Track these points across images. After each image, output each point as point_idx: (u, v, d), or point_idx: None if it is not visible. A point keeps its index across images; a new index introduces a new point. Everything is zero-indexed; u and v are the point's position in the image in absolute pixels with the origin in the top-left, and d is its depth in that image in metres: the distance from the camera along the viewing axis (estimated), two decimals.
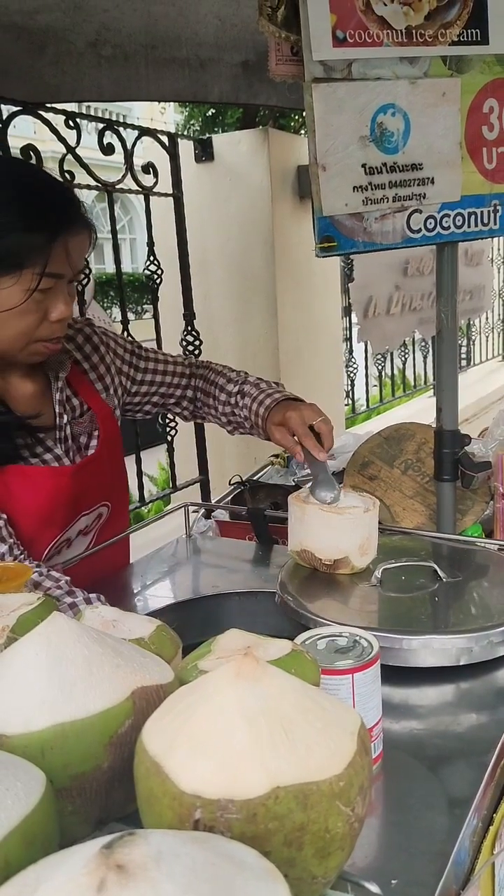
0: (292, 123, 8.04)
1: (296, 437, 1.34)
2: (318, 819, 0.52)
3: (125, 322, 2.63)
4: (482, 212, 1.43)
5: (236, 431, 1.59)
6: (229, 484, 2.03)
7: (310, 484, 1.30)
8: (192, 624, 1.32)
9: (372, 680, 0.85)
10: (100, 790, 0.61)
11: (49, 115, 2.22)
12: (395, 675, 1.02)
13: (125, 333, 2.51)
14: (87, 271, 2.27)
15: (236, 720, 0.54)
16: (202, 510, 1.93)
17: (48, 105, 2.20)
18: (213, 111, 10.68)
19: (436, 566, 1.23)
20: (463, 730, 0.96)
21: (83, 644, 0.64)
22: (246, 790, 0.51)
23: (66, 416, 1.36)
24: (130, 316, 3.02)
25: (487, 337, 6.07)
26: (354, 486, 1.64)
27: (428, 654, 1.05)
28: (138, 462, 2.74)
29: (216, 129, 9.96)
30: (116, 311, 2.76)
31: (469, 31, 1.36)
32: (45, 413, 1.35)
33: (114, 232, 2.55)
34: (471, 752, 0.91)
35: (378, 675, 0.87)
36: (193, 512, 1.78)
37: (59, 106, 2.23)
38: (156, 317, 2.81)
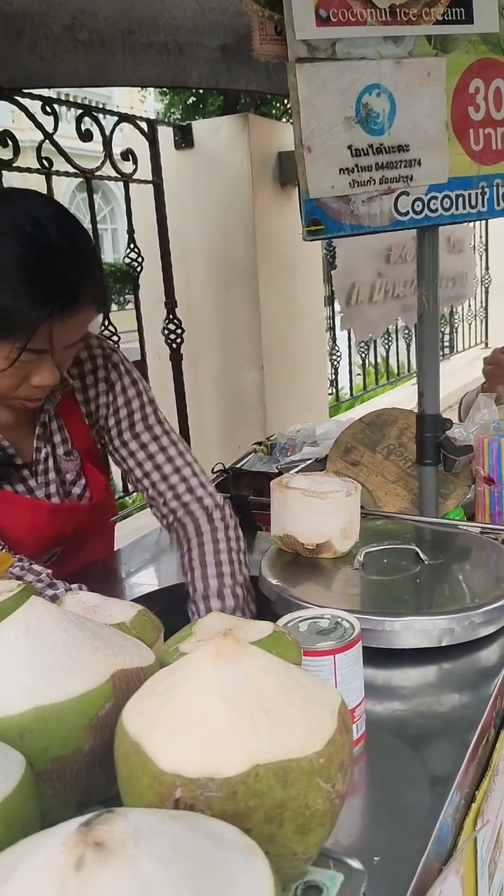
0: (273, 111, 8.00)
1: None
2: (298, 796, 0.52)
3: (106, 313, 2.61)
4: (470, 194, 1.42)
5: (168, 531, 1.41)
6: (212, 472, 2.03)
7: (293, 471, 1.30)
8: (175, 610, 1.32)
9: (354, 661, 0.85)
10: (80, 773, 0.61)
11: (26, 102, 2.19)
12: (378, 656, 1.03)
13: (106, 322, 2.49)
14: None
15: (216, 700, 0.54)
16: None
17: (25, 91, 2.18)
18: (194, 99, 10.59)
19: (418, 549, 1.24)
20: (445, 710, 0.97)
21: (62, 628, 0.63)
22: (226, 768, 0.51)
23: (43, 451, 1.29)
24: (112, 307, 3.00)
25: (470, 324, 6.09)
26: (337, 472, 1.64)
27: (410, 635, 1.06)
28: None
29: (197, 118, 9.88)
30: None
31: (453, 9, 1.35)
32: (26, 444, 1.28)
33: (93, 221, 2.52)
34: (453, 732, 0.92)
35: (360, 656, 0.87)
36: None
37: (36, 92, 2.21)
38: (137, 305, 2.80)
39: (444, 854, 0.80)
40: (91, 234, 2.48)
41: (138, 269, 2.71)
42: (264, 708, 0.54)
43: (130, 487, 2.04)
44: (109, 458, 1.42)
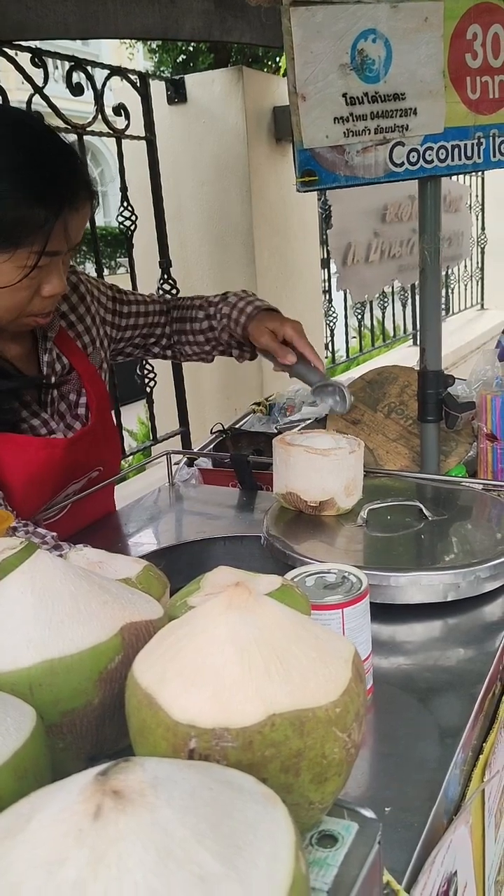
0: (265, 70, 7.84)
1: (290, 345, 1.33)
2: (314, 745, 0.51)
3: (100, 276, 2.57)
4: (466, 144, 1.39)
5: (215, 350, 1.56)
6: (211, 432, 2.01)
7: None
8: (177, 569, 1.31)
9: (361, 614, 0.85)
10: (91, 726, 0.60)
11: (14, 57, 2.12)
12: (383, 612, 1.02)
13: None
14: None
15: (229, 649, 0.53)
16: (185, 458, 1.91)
17: (14, 43, 2.11)
18: (185, 57, 10.35)
19: (421, 505, 1.23)
20: (452, 664, 0.97)
21: (69, 581, 0.62)
22: (241, 718, 0.50)
23: (53, 378, 1.31)
24: (105, 271, 2.96)
25: (466, 285, 6.03)
26: (338, 430, 1.63)
27: (416, 590, 1.05)
28: (118, 416, 2.71)
29: None
30: (90, 267, 2.70)
31: None
32: (31, 373, 1.30)
33: None
34: (460, 685, 0.92)
35: (367, 610, 0.87)
36: (175, 463, 1.76)
37: (24, 44, 2.14)
38: (131, 265, 2.75)
39: (453, 805, 0.80)
40: None
41: (132, 227, 2.65)
42: (278, 657, 0.53)
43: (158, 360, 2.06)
44: (120, 351, 1.55)
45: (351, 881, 0.52)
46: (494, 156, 1.44)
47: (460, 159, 1.39)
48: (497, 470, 1.54)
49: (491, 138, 1.42)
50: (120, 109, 2.55)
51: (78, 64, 2.32)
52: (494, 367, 1.58)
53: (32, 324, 1.20)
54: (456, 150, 1.38)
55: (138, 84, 2.68)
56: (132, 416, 4.69)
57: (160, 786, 0.40)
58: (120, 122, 2.57)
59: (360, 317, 4.40)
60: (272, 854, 0.41)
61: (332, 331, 4.15)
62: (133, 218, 2.64)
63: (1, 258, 1.07)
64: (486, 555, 1.10)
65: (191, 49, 10.13)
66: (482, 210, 6.02)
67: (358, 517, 1.21)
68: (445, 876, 0.75)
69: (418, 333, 1.56)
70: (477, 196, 5.87)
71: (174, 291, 2.85)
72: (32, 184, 1.05)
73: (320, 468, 1.22)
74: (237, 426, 2.06)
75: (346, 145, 1.25)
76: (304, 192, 1.26)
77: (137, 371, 2.82)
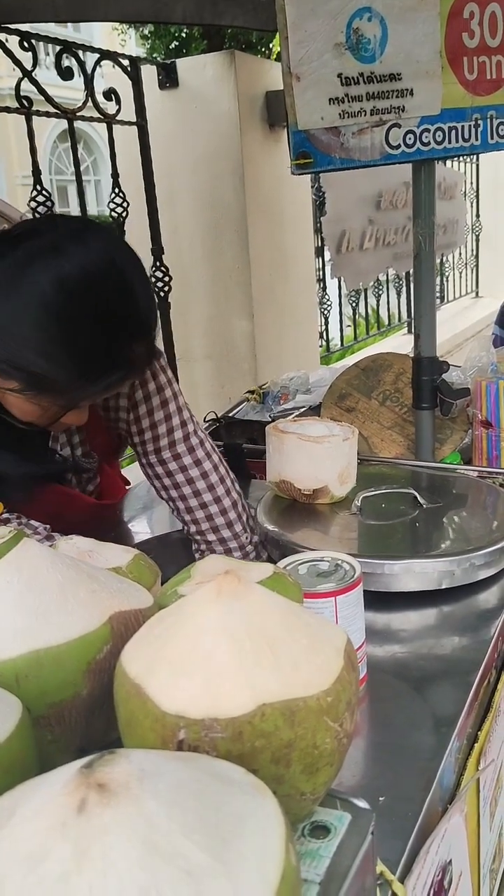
0: (258, 56, 7.76)
1: None
2: (305, 735, 0.50)
3: None
4: (463, 126, 1.37)
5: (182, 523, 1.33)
6: (204, 421, 2.00)
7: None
8: (168, 558, 1.30)
9: (355, 603, 0.84)
10: (79, 718, 0.59)
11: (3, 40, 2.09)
12: (377, 600, 1.02)
13: None
14: (48, 204, 2.18)
15: (219, 638, 0.51)
16: None
17: (2, 25, 2.08)
18: (177, 43, 10.25)
19: (416, 493, 1.22)
20: (446, 652, 0.96)
21: (57, 570, 0.61)
22: (231, 708, 0.49)
23: (64, 449, 1.22)
24: None
25: (461, 273, 6.01)
26: (332, 418, 1.62)
27: (410, 578, 1.04)
28: None
29: None
30: None
31: None
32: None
33: (76, 164, 2.44)
34: (454, 673, 0.91)
35: (361, 598, 0.86)
36: None
37: (13, 27, 2.11)
38: None
39: (448, 794, 0.79)
40: (76, 182, 2.40)
41: (123, 214, 2.62)
42: (269, 646, 0.52)
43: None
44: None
45: (343, 872, 0.51)
46: (492, 138, 1.42)
47: (457, 141, 1.37)
48: (492, 457, 1.53)
49: (488, 120, 1.40)
50: (111, 94, 2.51)
51: (67, 48, 2.28)
52: (489, 353, 1.57)
53: (61, 428, 1.13)
54: (453, 132, 1.36)
55: (129, 68, 2.64)
56: None
57: (146, 778, 0.39)
58: (111, 108, 2.54)
59: (354, 305, 4.38)
60: (261, 847, 0.40)
61: (326, 319, 4.13)
62: (124, 205, 2.61)
63: (23, 395, 0.97)
64: (481, 542, 1.09)
65: (183, 35, 10.03)
66: (477, 197, 5.99)
67: (352, 505, 1.20)
68: (440, 865, 0.74)
69: (413, 321, 1.54)
70: (471, 183, 5.84)
71: (166, 279, 2.82)
72: (86, 364, 0.93)
73: (314, 456, 1.21)
74: (231, 414, 2.04)
75: (341, 127, 1.23)
76: (299, 174, 1.24)
77: None
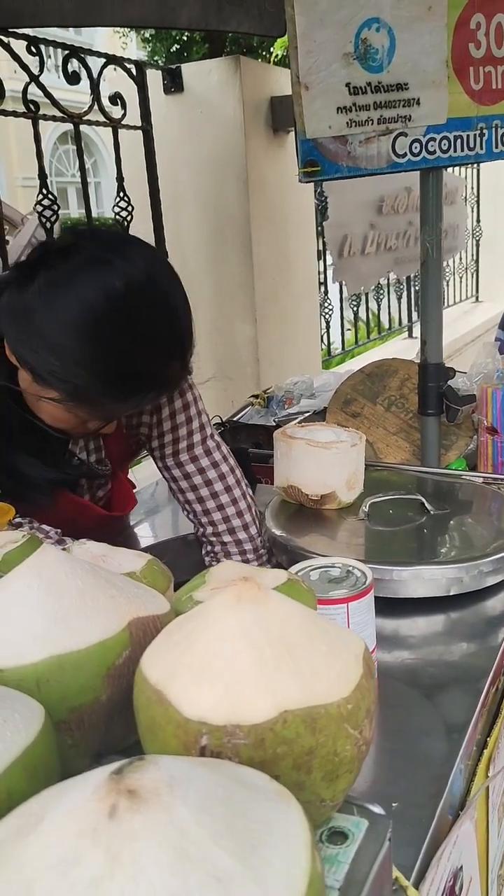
0: (260, 60, 7.79)
1: None
2: (326, 742, 0.51)
3: None
4: (468, 135, 1.38)
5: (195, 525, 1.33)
6: None
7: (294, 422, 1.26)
8: (176, 563, 1.31)
9: (367, 609, 0.84)
10: (99, 723, 0.59)
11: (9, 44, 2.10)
12: (386, 606, 1.02)
13: None
14: (54, 208, 2.19)
15: (239, 645, 0.52)
16: None
17: (8, 30, 2.08)
18: (178, 46, 10.27)
19: (423, 499, 1.23)
20: (455, 658, 0.96)
21: (76, 575, 0.61)
22: (253, 715, 0.49)
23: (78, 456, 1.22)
24: None
25: (461, 278, 6.02)
26: (338, 424, 1.62)
27: (419, 584, 1.05)
28: None
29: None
30: None
31: None
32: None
33: (82, 168, 2.44)
34: (464, 680, 0.91)
35: (372, 604, 0.86)
36: None
37: (20, 31, 2.11)
38: None
39: (459, 800, 0.80)
40: (82, 186, 2.41)
41: (128, 218, 2.63)
42: (289, 653, 0.53)
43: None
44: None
45: (362, 878, 0.51)
46: (497, 147, 1.43)
47: (463, 150, 1.38)
48: (497, 463, 1.53)
49: (493, 129, 1.41)
50: (116, 99, 2.52)
51: (74, 52, 2.29)
52: (495, 360, 1.58)
53: (91, 433, 1.14)
54: (458, 140, 1.37)
55: (135, 73, 2.65)
56: None
57: (176, 785, 0.40)
58: (116, 112, 2.55)
59: (355, 309, 4.38)
60: (288, 853, 0.41)
61: (327, 323, 4.13)
62: (129, 209, 2.61)
63: (54, 402, 0.99)
64: (489, 549, 1.09)
65: (185, 39, 10.06)
66: (477, 202, 6.00)
67: (360, 511, 1.21)
68: (452, 871, 0.75)
69: (415, 326, 1.55)
70: (472, 188, 5.85)
71: None
72: (125, 380, 0.95)
73: (322, 461, 1.21)
74: (235, 419, 2.05)
75: (348, 136, 1.24)
76: (307, 182, 1.25)
77: None
